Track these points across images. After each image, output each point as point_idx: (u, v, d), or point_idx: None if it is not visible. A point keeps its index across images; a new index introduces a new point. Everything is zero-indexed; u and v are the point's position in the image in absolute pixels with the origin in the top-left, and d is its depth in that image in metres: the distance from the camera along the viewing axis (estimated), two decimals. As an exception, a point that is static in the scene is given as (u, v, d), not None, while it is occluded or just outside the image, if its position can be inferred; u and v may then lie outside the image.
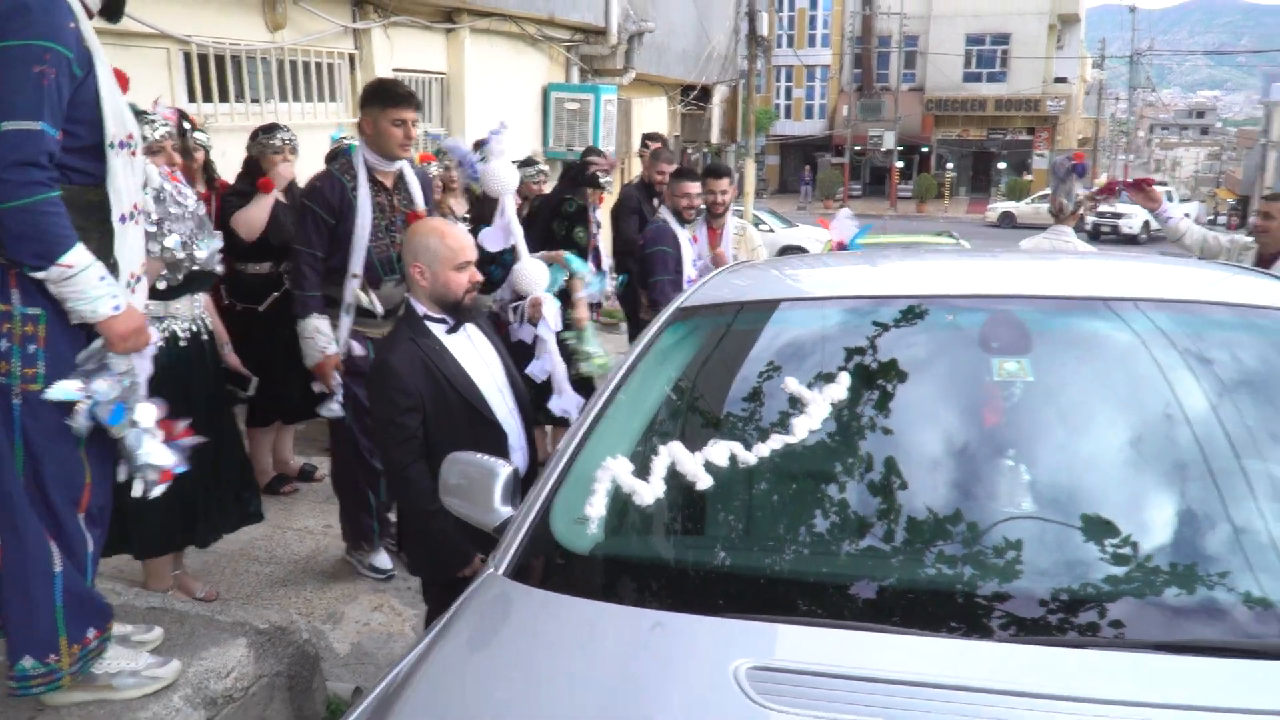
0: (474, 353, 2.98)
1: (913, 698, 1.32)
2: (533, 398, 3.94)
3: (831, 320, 2.34)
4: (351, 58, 8.64)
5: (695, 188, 5.22)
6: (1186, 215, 6.08)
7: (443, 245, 2.89)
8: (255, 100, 7.37)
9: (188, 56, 6.61)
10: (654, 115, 15.38)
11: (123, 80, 2.45)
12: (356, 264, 3.73)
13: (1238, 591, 1.54)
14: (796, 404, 1.99)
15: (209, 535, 3.75)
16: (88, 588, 2.53)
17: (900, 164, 46.03)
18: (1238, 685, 1.35)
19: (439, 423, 2.80)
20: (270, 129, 4.78)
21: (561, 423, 4.15)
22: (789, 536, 1.82)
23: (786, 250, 17.60)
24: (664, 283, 4.96)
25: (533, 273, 3.90)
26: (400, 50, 9.16)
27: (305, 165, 5.28)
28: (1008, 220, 37.53)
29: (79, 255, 2.23)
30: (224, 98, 6.97)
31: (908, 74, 46.66)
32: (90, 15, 2.33)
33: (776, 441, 1.90)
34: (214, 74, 6.85)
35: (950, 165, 47.49)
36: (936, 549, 1.68)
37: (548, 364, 3.81)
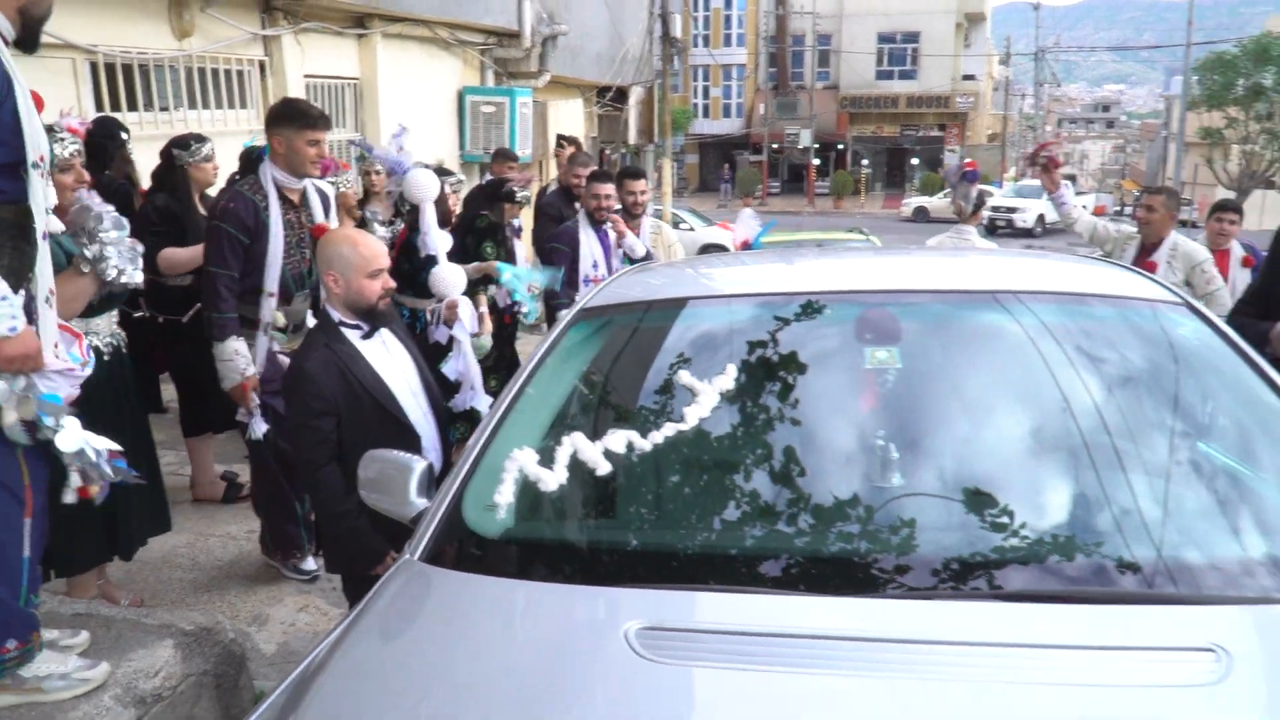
0: (388, 357, 3.09)
1: (778, 647, 1.50)
2: (450, 397, 4.09)
3: (724, 316, 2.52)
4: (262, 64, 8.62)
5: (608, 189, 5.38)
6: (1084, 207, 6.58)
7: (355, 254, 2.98)
8: (165, 108, 7.34)
9: (94, 66, 6.57)
10: (570, 117, 15.51)
11: (38, 101, 2.51)
12: (271, 282, 3.78)
13: (1080, 548, 1.75)
14: (689, 395, 2.16)
15: (131, 546, 3.80)
16: (8, 601, 2.58)
17: (817, 161, 46.78)
18: (1079, 627, 1.54)
19: (353, 425, 2.90)
20: (196, 139, 4.79)
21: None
22: (677, 514, 1.99)
23: (707, 248, 17.85)
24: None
25: (450, 276, 4.03)
26: (311, 56, 9.17)
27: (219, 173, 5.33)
28: (922, 215, 38.42)
29: None
30: (133, 107, 6.94)
31: (822, 72, 47.46)
32: (7, 43, 2.40)
33: (669, 429, 2.07)
34: (121, 83, 6.82)
35: (865, 162, 48.41)
36: (809, 519, 1.86)
37: (461, 364, 3.94)
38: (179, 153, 4.70)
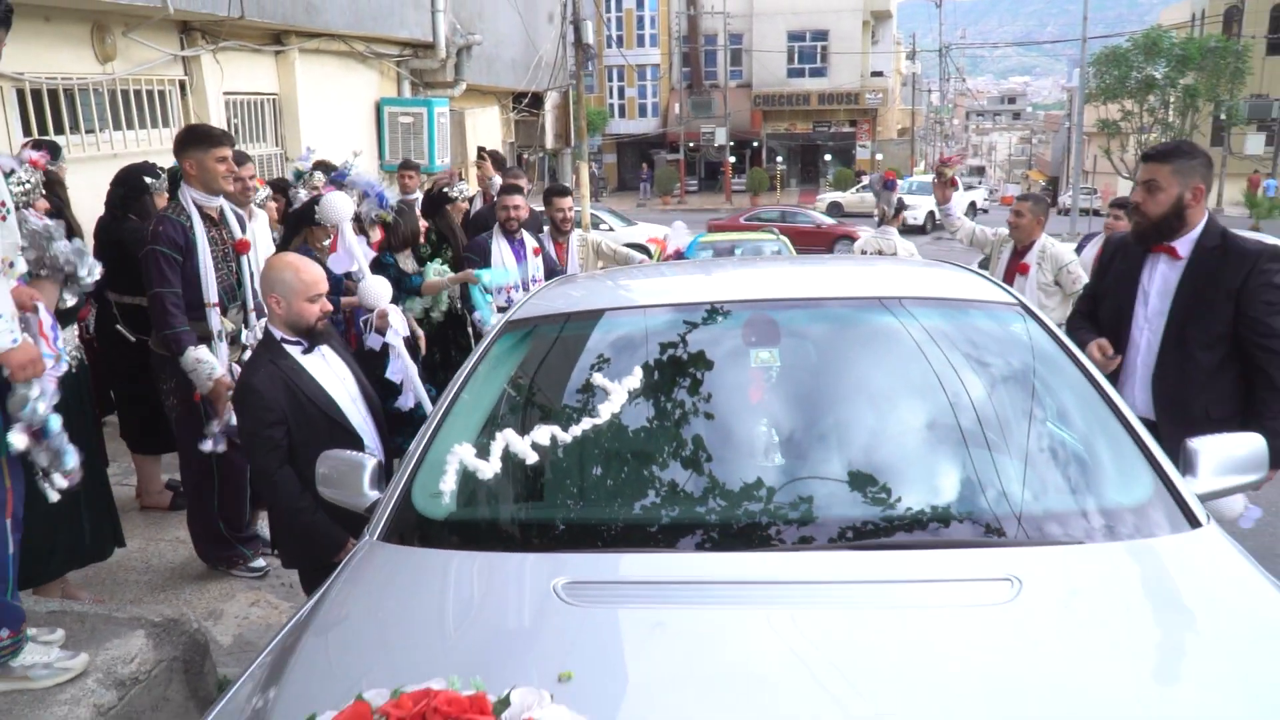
0: (328, 370, 3.42)
1: (676, 591, 1.91)
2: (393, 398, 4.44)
3: (634, 324, 2.92)
4: (182, 84, 8.78)
5: (517, 200, 5.86)
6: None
7: (297, 279, 3.31)
8: (90, 131, 7.50)
9: (20, 93, 6.73)
10: (488, 124, 15.79)
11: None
12: (211, 294, 4.08)
13: (915, 507, 2.19)
14: (603, 393, 2.55)
15: (90, 555, 4.06)
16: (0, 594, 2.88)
17: (733, 159, 47.57)
18: (911, 566, 1.98)
19: (301, 432, 3.23)
20: (150, 169, 5.03)
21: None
22: (593, 493, 2.39)
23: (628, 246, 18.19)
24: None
25: (376, 288, 4.38)
26: (231, 74, 9.34)
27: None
28: (836, 210, 39.29)
29: None
30: (59, 130, 7.09)
31: (735, 71, 48.25)
32: None
33: (587, 423, 2.46)
34: (48, 108, 6.98)
35: (780, 158, 49.36)
36: (703, 492, 2.28)
37: (399, 367, 4.30)
38: (151, 181, 4.93)
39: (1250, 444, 2.39)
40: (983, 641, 1.71)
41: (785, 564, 2.02)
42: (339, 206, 4.49)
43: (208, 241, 4.07)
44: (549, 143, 18.44)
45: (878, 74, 49.13)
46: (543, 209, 6.57)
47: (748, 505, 2.21)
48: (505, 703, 1.36)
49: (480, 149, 9.48)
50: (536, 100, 17.92)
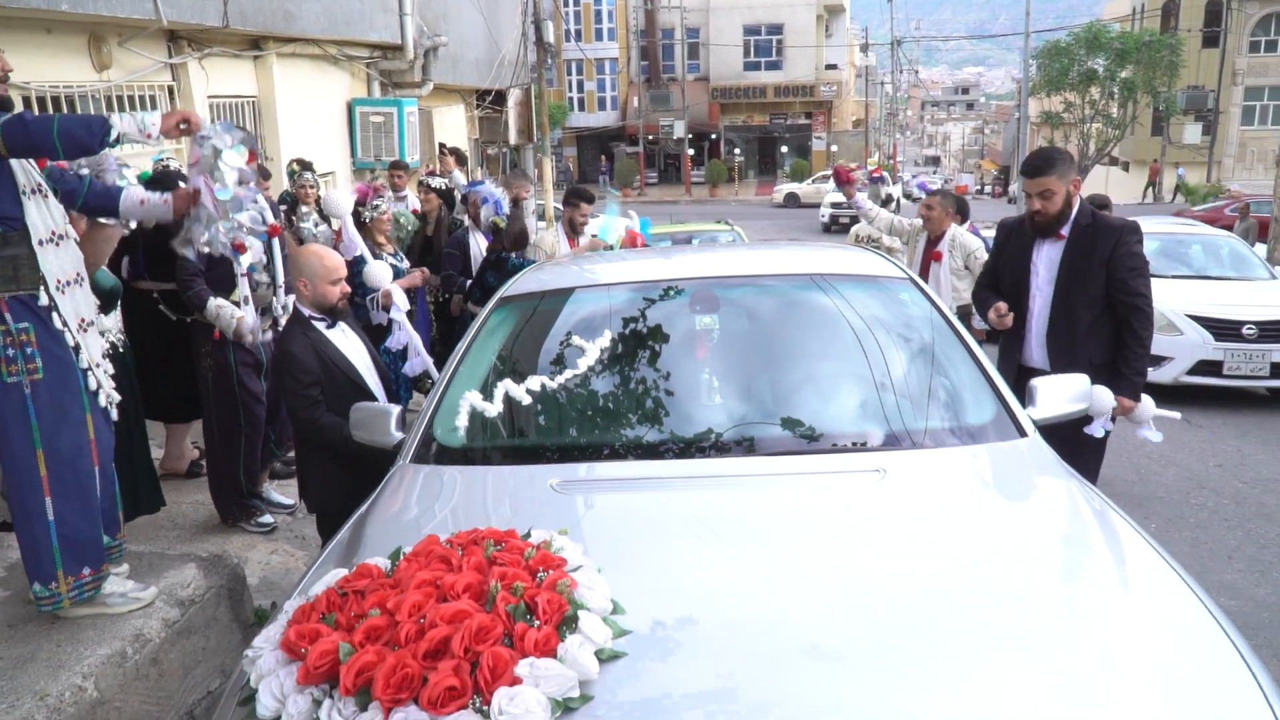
0: (348, 342, 4.09)
1: (640, 483, 2.62)
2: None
3: (601, 298, 3.61)
4: (170, 89, 9.34)
5: (586, 209, 6.86)
6: (891, 195, 8.68)
7: (321, 265, 3.97)
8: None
9: (27, 100, 7.28)
10: (454, 122, 16.38)
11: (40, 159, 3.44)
12: (241, 266, 4.72)
13: (816, 425, 2.91)
14: (579, 351, 3.25)
15: (140, 510, 4.70)
16: (85, 532, 3.49)
17: (691, 151, 48.32)
18: (811, 464, 2.70)
19: (329, 395, 3.89)
20: (180, 174, 5.66)
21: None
22: (576, 423, 3.09)
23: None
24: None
25: (379, 271, 5.06)
26: (214, 79, 9.89)
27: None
28: (793, 200, 40.15)
29: (114, 124, 3.14)
30: (62, 135, 7.63)
31: (692, 64, 48.97)
32: None
33: (567, 373, 3.16)
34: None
35: (738, 150, 50.22)
36: (664, 420, 2.98)
37: (403, 337, 4.99)
38: (183, 183, 5.57)
39: (1076, 383, 3.15)
40: (857, 506, 2.46)
41: (720, 465, 2.74)
42: (339, 202, 5.15)
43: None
44: (512, 138, 19.04)
45: (832, 67, 50.08)
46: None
47: (693, 427, 2.92)
48: (528, 535, 2.06)
49: (441, 145, 10.09)
50: (500, 98, 18.52)
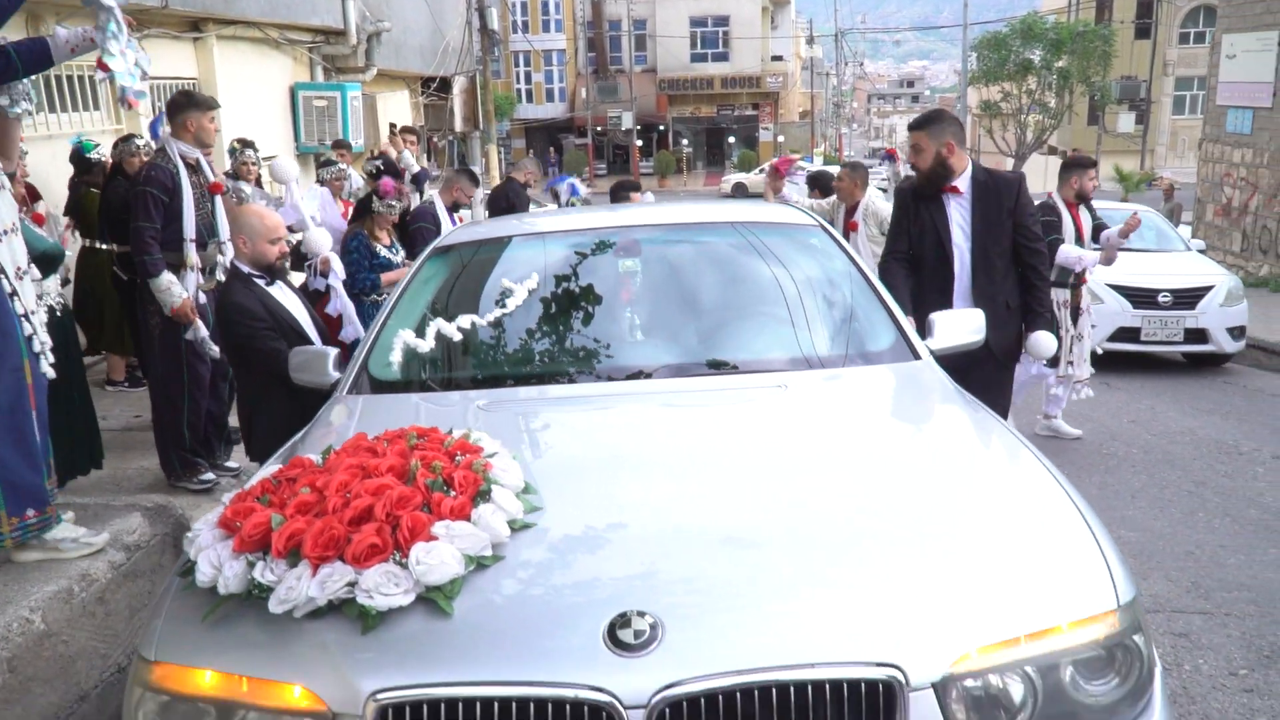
0: (288, 298, 4.22)
1: (560, 403, 2.83)
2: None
3: (533, 245, 3.79)
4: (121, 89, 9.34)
5: (470, 189, 6.87)
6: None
7: (261, 224, 4.11)
8: (28, 114, 8.03)
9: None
10: (398, 108, 16.41)
11: None
12: (190, 230, 4.82)
13: (729, 352, 3.12)
14: (507, 292, 3.43)
15: (68, 474, 4.78)
16: (25, 476, 3.59)
17: (640, 142, 48.50)
18: (725, 381, 2.92)
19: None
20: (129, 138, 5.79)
21: None
22: (506, 354, 3.28)
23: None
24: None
25: (319, 238, 5.19)
26: (154, 59, 9.90)
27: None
28: (740, 190, 40.38)
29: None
30: None
31: (639, 56, 49.12)
32: None
33: (497, 311, 3.35)
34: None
35: (686, 141, 50.48)
36: (589, 350, 3.18)
37: (339, 304, 5.12)
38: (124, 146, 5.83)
39: (971, 318, 3.40)
40: (763, 414, 2.70)
41: (639, 386, 2.95)
42: (286, 168, 5.27)
43: (189, 185, 4.82)
44: (458, 125, 19.10)
45: (778, 58, 50.57)
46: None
47: (615, 356, 3.14)
48: (450, 433, 2.24)
49: (392, 125, 10.18)
50: (445, 85, 18.57)
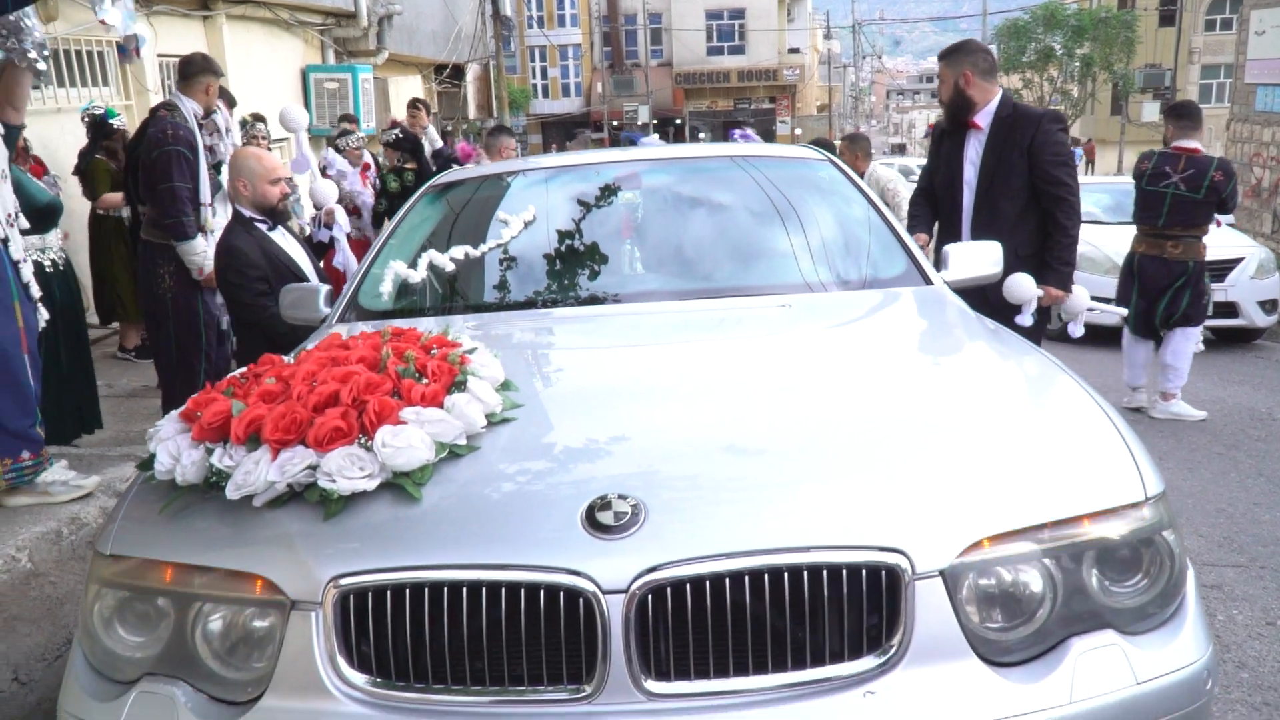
0: (289, 243, 4.11)
1: (572, 322, 2.73)
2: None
3: (533, 180, 3.67)
4: (117, 45, 9.28)
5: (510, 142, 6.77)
6: None
7: (260, 165, 3.99)
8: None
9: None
10: (410, 92, 16.32)
11: None
12: (206, 194, 4.74)
13: (734, 275, 3.00)
14: (504, 223, 3.31)
15: (68, 434, 4.69)
16: (16, 420, 3.51)
17: (656, 135, 48.34)
18: (723, 304, 2.80)
19: (275, 287, 3.91)
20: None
21: None
22: (499, 283, 3.15)
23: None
24: None
25: (324, 189, 5.09)
26: (163, 37, 9.83)
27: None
28: (756, 182, 40.24)
29: None
30: (6, 84, 7.59)
31: (655, 50, 48.95)
32: None
33: (491, 242, 3.22)
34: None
35: (703, 135, 50.24)
36: (591, 276, 3.06)
37: (342, 257, 5.02)
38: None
39: (988, 250, 3.23)
40: (767, 325, 2.60)
41: (641, 308, 2.84)
42: (296, 116, 5.20)
43: (202, 149, 4.74)
44: (471, 113, 19.03)
45: (795, 50, 50.27)
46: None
47: (616, 282, 3.04)
48: (446, 331, 2.12)
49: (414, 100, 10.06)
50: (458, 72, 18.50)
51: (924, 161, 5.15)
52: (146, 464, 1.86)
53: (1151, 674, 1.59)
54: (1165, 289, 6.06)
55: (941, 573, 1.55)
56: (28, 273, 3.55)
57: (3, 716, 3.03)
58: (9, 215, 3.52)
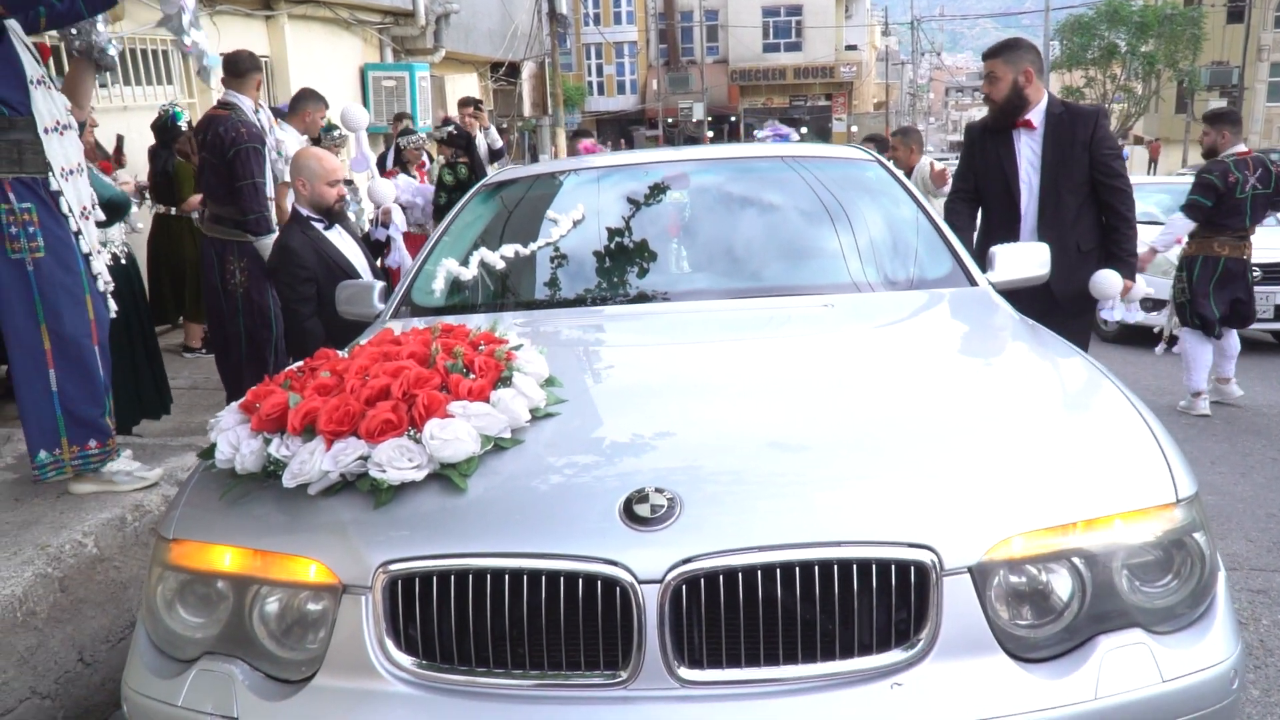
0: (344, 242, 4.23)
1: (621, 319, 2.80)
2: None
3: (583, 178, 3.74)
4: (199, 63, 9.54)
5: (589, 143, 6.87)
6: None
7: (320, 166, 4.12)
8: (103, 85, 8.24)
9: (56, 50, 7.48)
10: (466, 90, 16.51)
11: (45, 51, 3.59)
12: (271, 189, 4.89)
13: (779, 274, 3.04)
14: (554, 222, 3.38)
15: (134, 419, 4.87)
16: (87, 409, 3.65)
17: (711, 133, 48.25)
18: (767, 303, 2.85)
19: (327, 289, 4.03)
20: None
21: None
22: (549, 280, 3.23)
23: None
24: None
25: (381, 189, 5.22)
26: (226, 37, 10.05)
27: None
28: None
29: None
30: (78, 83, 7.84)
31: (711, 47, 48.92)
32: None
33: (541, 240, 3.30)
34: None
35: (757, 132, 50.10)
36: (638, 274, 3.12)
37: (397, 256, 5.14)
38: None
39: (1034, 251, 3.24)
40: (811, 325, 2.65)
41: (687, 306, 2.90)
42: (357, 115, 5.36)
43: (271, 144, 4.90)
44: (526, 111, 19.18)
45: (852, 48, 49.90)
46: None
47: (663, 280, 3.11)
48: (494, 327, 2.19)
49: (471, 99, 10.19)
50: (513, 70, 18.66)
51: None
52: (208, 453, 1.95)
53: (1177, 673, 1.61)
54: (1247, 287, 6.40)
55: (970, 569, 1.59)
56: (99, 265, 3.69)
57: (69, 695, 3.17)
58: (84, 208, 3.66)
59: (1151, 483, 1.74)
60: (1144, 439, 1.84)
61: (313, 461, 1.74)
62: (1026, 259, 3.20)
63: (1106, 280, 3.94)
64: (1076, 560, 1.65)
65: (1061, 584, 1.65)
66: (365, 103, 13.14)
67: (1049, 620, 1.63)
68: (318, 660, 1.68)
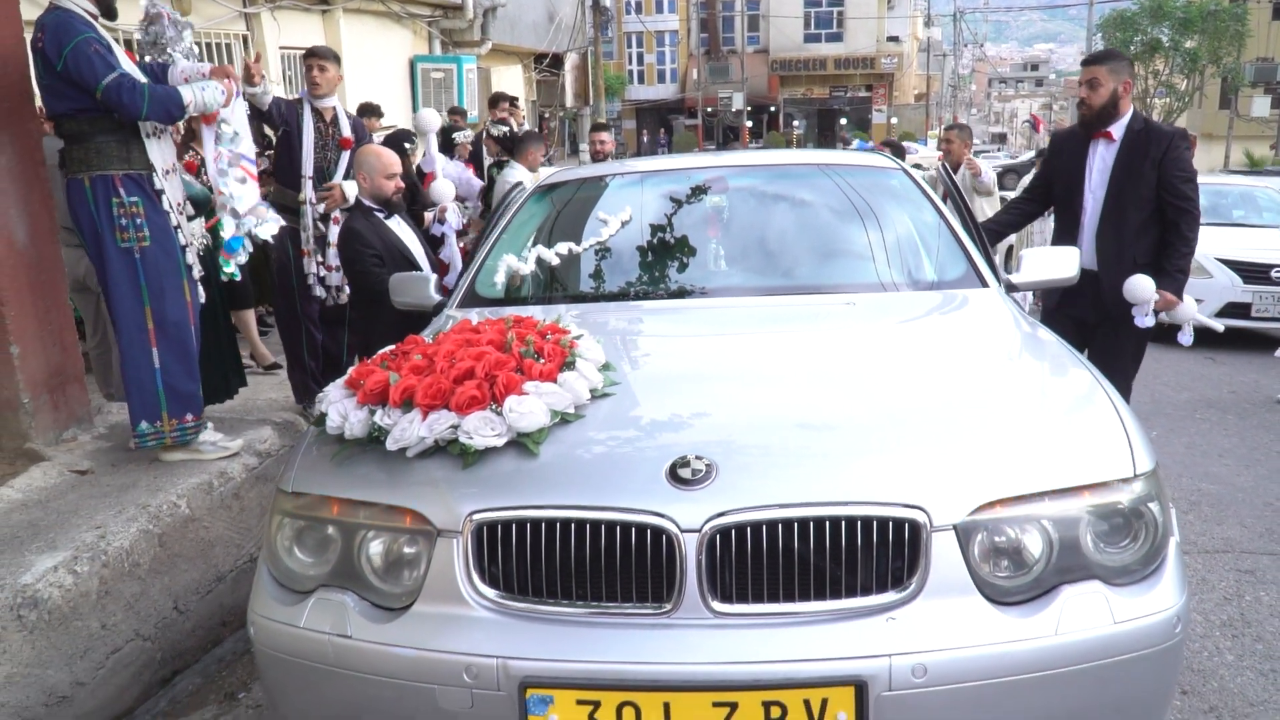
0: (404, 231, 4.62)
1: (658, 311, 3.14)
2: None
3: (629, 182, 4.09)
4: (244, 38, 9.98)
5: (603, 136, 7.24)
6: None
7: (378, 161, 4.52)
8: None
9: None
10: (511, 81, 16.91)
11: (131, 56, 3.96)
12: (308, 167, 5.28)
13: (808, 274, 3.37)
14: (603, 222, 3.72)
15: (212, 398, 5.26)
16: (185, 384, 4.04)
17: (750, 123, 48.39)
18: (795, 300, 3.17)
19: (390, 269, 4.41)
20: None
21: None
22: (599, 275, 3.57)
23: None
24: None
25: (441, 188, 5.60)
26: (285, 30, 10.52)
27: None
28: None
29: (187, 97, 3.69)
30: (149, 76, 8.30)
31: (752, 36, 49.00)
32: (95, 19, 3.75)
33: (591, 239, 3.65)
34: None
35: (797, 122, 50.12)
36: (679, 270, 3.46)
37: (449, 251, 5.52)
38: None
39: (1063, 255, 3.54)
40: (834, 320, 2.98)
41: (721, 301, 3.24)
42: (429, 119, 5.78)
43: (314, 130, 5.27)
44: (569, 101, 19.54)
45: (893, 39, 49.78)
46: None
47: (702, 276, 3.44)
48: (559, 319, 2.55)
49: (504, 96, 10.53)
50: (557, 61, 19.03)
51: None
52: (320, 421, 2.32)
53: (1127, 616, 1.94)
54: None
55: (955, 527, 1.93)
56: (191, 255, 4.09)
57: (165, 639, 3.57)
58: (178, 204, 4.06)
59: (1114, 458, 2.07)
60: (1110, 420, 2.17)
61: (411, 429, 2.10)
62: (1053, 263, 3.50)
63: (1139, 284, 4.07)
64: (1046, 523, 1.98)
65: (1033, 542, 1.98)
66: (414, 92, 13.57)
67: (1021, 572, 1.97)
68: (415, 592, 2.04)
